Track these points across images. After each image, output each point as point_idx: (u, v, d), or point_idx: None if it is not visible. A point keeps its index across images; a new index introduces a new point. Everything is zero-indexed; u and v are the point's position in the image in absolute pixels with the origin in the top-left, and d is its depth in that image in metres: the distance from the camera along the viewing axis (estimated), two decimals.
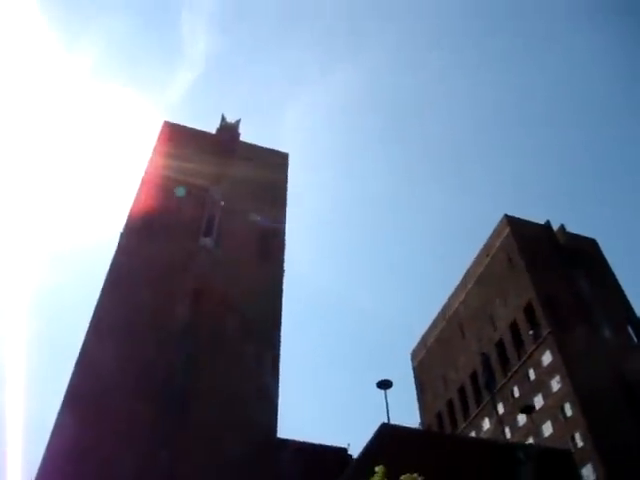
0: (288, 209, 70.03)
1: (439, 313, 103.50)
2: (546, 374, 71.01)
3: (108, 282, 53.86)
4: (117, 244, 58.77)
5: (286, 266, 62.50)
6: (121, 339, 48.32)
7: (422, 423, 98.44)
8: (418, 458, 25.22)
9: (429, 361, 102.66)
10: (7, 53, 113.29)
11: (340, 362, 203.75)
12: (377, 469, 21.15)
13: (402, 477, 20.94)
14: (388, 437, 30.34)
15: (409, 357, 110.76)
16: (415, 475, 20.99)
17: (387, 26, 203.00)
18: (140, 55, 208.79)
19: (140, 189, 65.48)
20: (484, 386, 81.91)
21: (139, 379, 46.77)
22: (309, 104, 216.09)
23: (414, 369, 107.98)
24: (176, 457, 43.03)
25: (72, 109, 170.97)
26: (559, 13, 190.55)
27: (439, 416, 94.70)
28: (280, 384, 50.64)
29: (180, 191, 66.30)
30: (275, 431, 47.73)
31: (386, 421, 30.61)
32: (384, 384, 29.08)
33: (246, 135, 79.07)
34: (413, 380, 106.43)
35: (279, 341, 54.15)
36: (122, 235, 60.05)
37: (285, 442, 47.72)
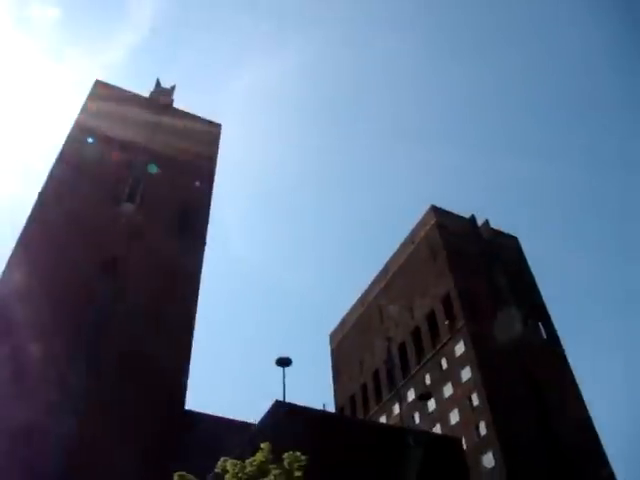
0: (220, 181, 68.98)
1: (360, 297, 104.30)
2: (458, 364, 72.64)
3: (18, 245, 51.57)
4: (34, 203, 56.55)
5: (212, 239, 61.64)
6: (26, 307, 46.41)
7: (336, 405, 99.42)
8: (311, 437, 25.23)
9: (347, 344, 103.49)
10: None
11: (259, 340, 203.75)
12: (263, 445, 20.95)
13: (285, 455, 20.78)
14: (282, 414, 30.35)
15: (328, 339, 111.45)
16: (298, 454, 20.87)
17: (342, 3, 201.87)
18: (80, 11, 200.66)
19: (64, 148, 63.02)
20: (398, 373, 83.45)
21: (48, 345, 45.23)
22: (256, 77, 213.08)
23: (332, 351, 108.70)
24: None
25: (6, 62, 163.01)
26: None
27: (352, 399, 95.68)
28: (193, 360, 50.13)
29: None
30: (183, 403, 47.25)
31: (281, 399, 30.46)
32: (283, 362, 28.83)
33: (186, 103, 77.57)
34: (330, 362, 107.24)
35: (194, 314, 53.43)
36: (40, 194, 57.74)
37: (193, 414, 47.30)
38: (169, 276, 54.79)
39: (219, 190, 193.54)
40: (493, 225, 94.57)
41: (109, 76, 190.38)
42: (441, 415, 72.01)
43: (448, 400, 72.05)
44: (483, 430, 65.09)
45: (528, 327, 79.93)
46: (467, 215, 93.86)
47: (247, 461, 20.40)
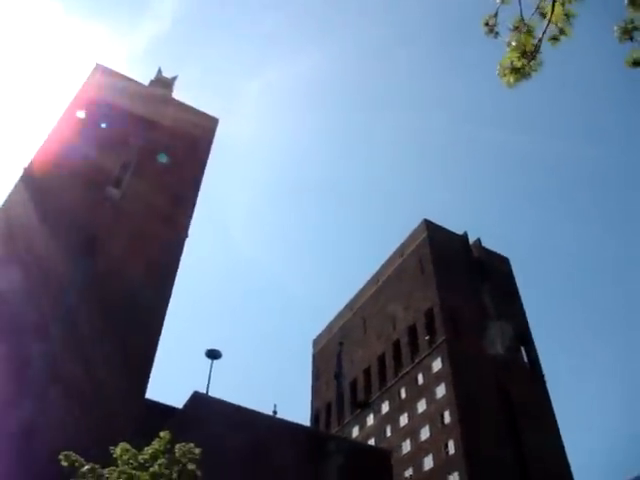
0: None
1: (347, 305, 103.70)
2: (434, 380, 71.94)
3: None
4: (18, 179, 56.11)
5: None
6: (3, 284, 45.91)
7: (312, 410, 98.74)
8: (227, 430, 24.68)
9: (329, 350, 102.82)
10: None
11: (242, 338, 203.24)
12: (162, 434, 20.38)
13: (177, 445, 20.21)
14: (198, 406, 29.86)
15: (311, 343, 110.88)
16: (192, 445, 20.30)
17: (359, 17, 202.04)
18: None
19: (57, 126, 62.62)
20: (375, 384, 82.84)
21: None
22: (271, 79, 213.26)
23: (313, 356, 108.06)
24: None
25: (23, 38, 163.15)
26: None
27: (328, 406, 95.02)
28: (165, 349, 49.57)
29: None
30: (144, 391, 46.74)
31: (204, 391, 29.91)
32: (212, 354, 28.30)
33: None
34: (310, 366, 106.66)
35: (166, 306, 52.93)
36: (25, 170, 57.26)
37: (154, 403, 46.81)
38: (147, 264, 54.30)
39: (225, 185, 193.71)
40: (486, 245, 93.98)
41: (125, 65, 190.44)
42: (412, 430, 71.29)
43: (421, 416, 71.34)
44: (451, 449, 64.33)
45: (510, 348, 79.15)
46: (460, 232, 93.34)
47: (146, 448, 19.88)
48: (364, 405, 70.54)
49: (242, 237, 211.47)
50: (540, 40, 5.47)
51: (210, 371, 27.54)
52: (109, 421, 43.01)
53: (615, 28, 5.75)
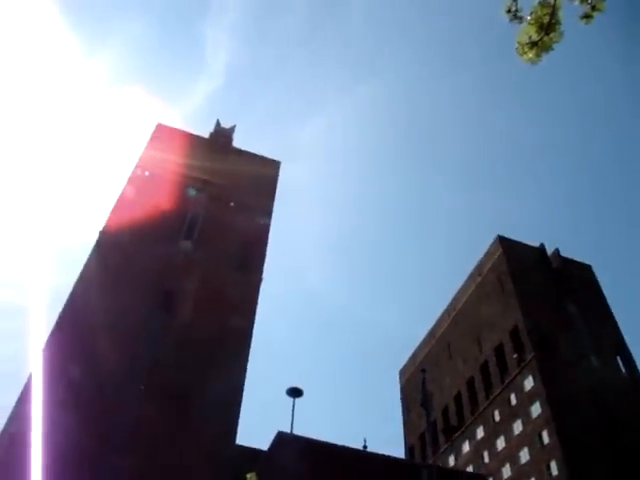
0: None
1: (429, 332, 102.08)
2: (527, 399, 69.46)
3: (80, 283, 53.02)
4: (95, 243, 58.23)
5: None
6: (88, 343, 47.47)
7: (405, 442, 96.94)
8: (314, 467, 24.23)
9: (416, 380, 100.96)
10: (26, 53, 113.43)
11: (330, 376, 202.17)
12: (249, 476, 20.19)
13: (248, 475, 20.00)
14: (283, 445, 29.41)
15: (397, 375, 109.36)
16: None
17: (405, 52, 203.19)
18: (160, 63, 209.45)
19: (126, 187, 65.01)
20: (467, 410, 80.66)
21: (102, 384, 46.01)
22: (325, 123, 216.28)
23: (402, 388, 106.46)
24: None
25: (87, 111, 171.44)
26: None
27: (422, 437, 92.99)
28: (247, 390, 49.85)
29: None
30: (235, 437, 46.87)
31: (289, 430, 29.50)
32: (294, 392, 27.92)
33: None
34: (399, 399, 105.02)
35: (248, 350, 53.32)
36: (101, 234, 59.43)
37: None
38: (225, 310, 55.06)
39: (293, 229, 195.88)
40: (564, 254, 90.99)
41: (185, 121, 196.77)
42: (510, 453, 68.79)
43: (518, 438, 68.80)
44: (554, 470, 61.58)
45: (604, 361, 75.64)
46: (536, 244, 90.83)
47: None
48: (454, 430, 68.51)
49: (315, 274, 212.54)
50: (556, 8, 5.28)
51: (293, 410, 27.21)
52: (202, 468, 43.45)
53: None
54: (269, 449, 31.04)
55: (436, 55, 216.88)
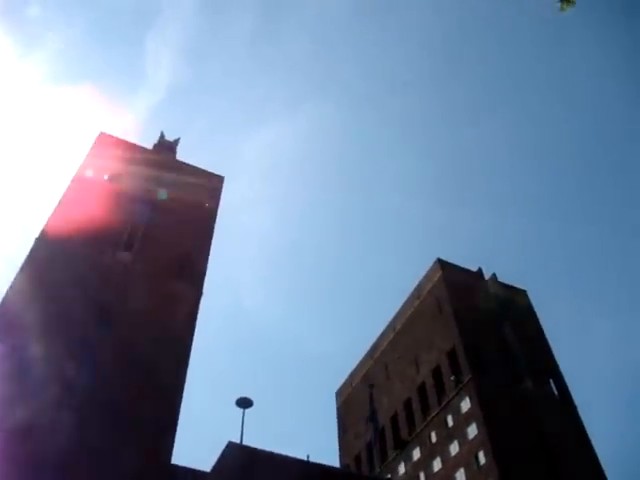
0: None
1: (367, 352, 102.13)
2: (464, 421, 70.07)
3: (10, 293, 50.74)
4: (29, 251, 56.07)
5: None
6: (17, 359, 45.28)
7: (341, 463, 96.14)
8: (261, 477, 23.64)
9: (353, 401, 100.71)
10: None
11: (262, 392, 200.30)
12: None
13: None
14: (233, 457, 28.74)
15: (334, 396, 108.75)
16: None
17: (352, 69, 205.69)
18: (101, 71, 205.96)
19: (65, 194, 63.14)
20: (404, 431, 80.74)
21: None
22: (268, 139, 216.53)
23: (338, 408, 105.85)
24: None
25: (23, 115, 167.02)
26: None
27: (358, 457, 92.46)
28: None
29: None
30: (170, 455, 45.53)
31: (238, 441, 28.84)
32: (243, 402, 27.28)
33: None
34: (335, 419, 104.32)
35: (186, 365, 52.15)
36: (36, 241, 57.34)
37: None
38: (163, 325, 53.77)
39: (234, 245, 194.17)
40: (501, 279, 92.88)
41: (128, 132, 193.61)
42: (447, 474, 69.09)
43: (454, 459, 69.22)
44: None
45: (538, 382, 77.22)
46: (474, 268, 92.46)
47: None
48: (393, 449, 68.52)
49: (249, 291, 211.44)
50: None
51: (242, 421, 26.53)
52: None
53: None
54: (218, 461, 30.09)
55: (384, 74, 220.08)
